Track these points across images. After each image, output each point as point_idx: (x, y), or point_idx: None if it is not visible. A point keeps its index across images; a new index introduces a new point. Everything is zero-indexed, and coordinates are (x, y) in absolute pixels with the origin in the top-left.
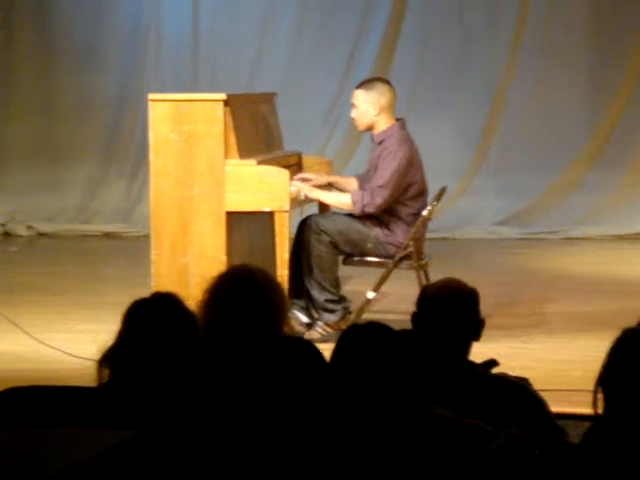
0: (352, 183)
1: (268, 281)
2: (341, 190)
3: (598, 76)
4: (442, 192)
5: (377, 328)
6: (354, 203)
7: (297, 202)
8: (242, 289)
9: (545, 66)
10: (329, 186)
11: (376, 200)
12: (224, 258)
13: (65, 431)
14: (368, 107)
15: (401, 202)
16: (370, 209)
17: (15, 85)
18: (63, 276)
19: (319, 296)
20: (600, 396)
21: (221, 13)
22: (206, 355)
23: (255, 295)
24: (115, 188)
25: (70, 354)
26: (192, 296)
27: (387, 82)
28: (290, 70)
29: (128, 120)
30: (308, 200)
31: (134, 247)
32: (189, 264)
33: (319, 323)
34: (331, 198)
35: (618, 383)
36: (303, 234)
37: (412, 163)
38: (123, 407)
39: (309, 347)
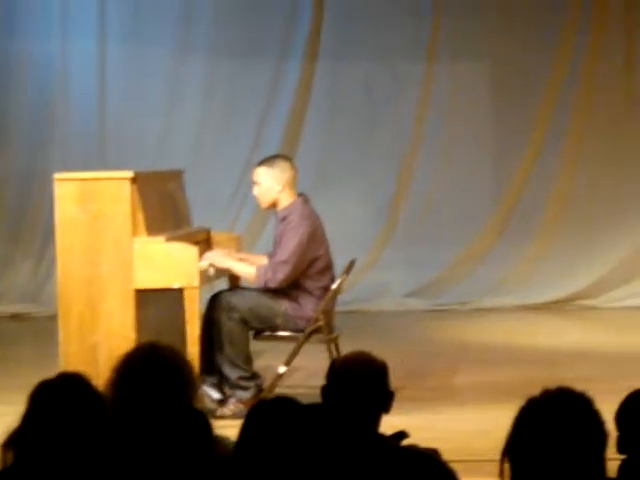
0: (262, 261)
1: (176, 358)
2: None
3: (501, 150)
4: (351, 265)
5: (284, 403)
6: (257, 277)
7: (207, 278)
8: (149, 367)
9: (449, 138)
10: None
11: (277, 275)
12: (133, 336)
13: None
14: (272, 183)
15: (308, 276)
16: (272, 284)
17: None
18: None
19: (231, 373)
20: (507, 465)
21: (128, 90)
22: (114, 435)
23: (162, 372)
24: (22, 268)
25: None
26: (102, 375)
27: (288, 159)
28: (197, 146)
29: (34, 198)
30: (218, 275)
31: (43, 327)
32: (98, 343)
33: (232, 400)
34: (239, 268)
35: (523, 452)
36: (213, 311)
37: (314, 238)
38: None
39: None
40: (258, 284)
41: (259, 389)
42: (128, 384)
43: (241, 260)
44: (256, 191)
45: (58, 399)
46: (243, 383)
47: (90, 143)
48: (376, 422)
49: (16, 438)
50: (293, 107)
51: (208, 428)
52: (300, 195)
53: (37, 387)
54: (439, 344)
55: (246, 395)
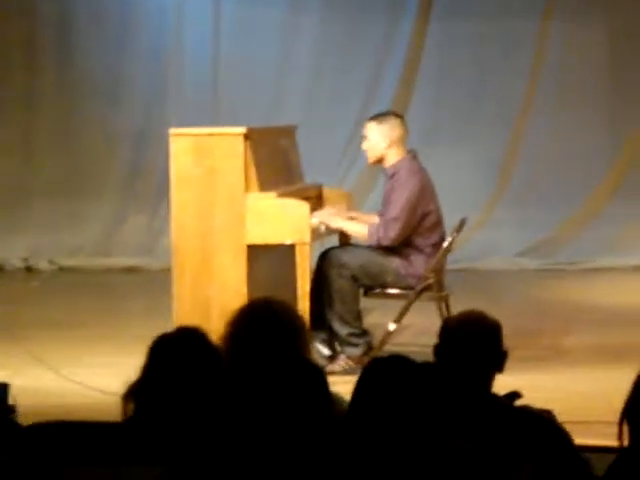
0: (373, 220)
1: (289, 313)
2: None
3: (616, 108)
4: (462, 223)
5: (399, 361)
6: (370, 235)
7: (318, 234)
8: (263, 321)
9: (563, 98)
10: (353, 219)
11: (389, 233)
12: (245, 291)
13: (94, 470)
14: (379, 139)
15: (419, 233)
16: (385, 242)
17: (37, 121)
18: (85, 310)
19: (341, 330)
20: (626, 428)
21: (241, 46)
22: (230, 389)
23: (276, 327)
24: (137, 222)
25: (93, 388)
26: (214, 329)
27: (399, 116)
28: (310, 102)
29: (149, 154)
30: (329, 232)
31: (156, 280)
32: (211, 297)
33: (342, 356)
34: (351, 227)
35: None
36: (323, 267)
37: (424, 193)
38: (149, 441)
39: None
40: (370, 242)
41: (369, 346)
42: (243, 338)
43: (351, 219)
44: (365, 145)
45: (178, 353)
46: (353, 340)
47: (204, 98)
48: (489, 382)
49: (137, 390)
50: (405, 65)
51: (325, 383)
52: (409, 152)
53: (157, 340)
54: (551, 304)
55: (356, 352)
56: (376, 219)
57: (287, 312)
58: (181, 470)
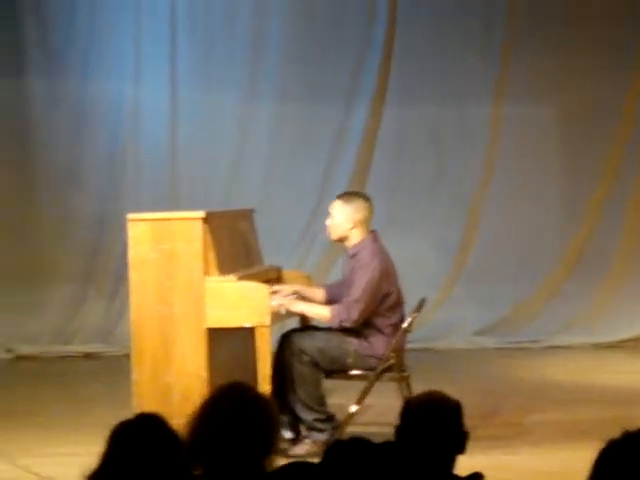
0: (318, 293)
1: (263, 399)
2: (308, 299)
3: (572, 183)
4: (422, 303)
5: (360, 443)
6: (332, 317)
7: (278, 317)
8: (239, 406)
9: (519, 175)
10: (295, 294)
11: (352, 314)
12: (206, 375)
13: None
14: (343, 220)
15: (379, 314)
16: (347, 324)
17: None
18: (44, 399)
19: (306, 415)
20: None
21: (197, 130)
22: (191, 477)
23: (252, 412)
24: (95, 308)
25: (49, 478)
26: (174, 414)
27: (367, 198)
28: (267, 185)
29: (107, 240)
30: (289, 315)
31: (115, 367)
32: (171, 382)
33: (307, 440)
34: (312, 310)
35: None
36: (283, 354)
37: (386, 274)
38: None
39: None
40: (332, 324)
41: (336, 432)
42: (218, 424)
43: (296, 293)
44: (328, 222)
45: (138, 440)
46: (320, 425)
47: (162, 184)
48: (451, 463)
49: (96, 478)
50: (361, 149)
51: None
52: (371, 232)
53: (117, 427)
54: (511, 382)
55: (322, 437)
56: (321, 292)
57: (261, 398)
58: None
